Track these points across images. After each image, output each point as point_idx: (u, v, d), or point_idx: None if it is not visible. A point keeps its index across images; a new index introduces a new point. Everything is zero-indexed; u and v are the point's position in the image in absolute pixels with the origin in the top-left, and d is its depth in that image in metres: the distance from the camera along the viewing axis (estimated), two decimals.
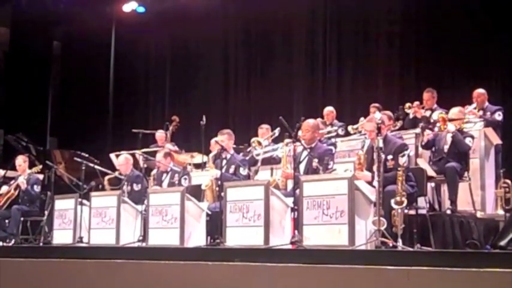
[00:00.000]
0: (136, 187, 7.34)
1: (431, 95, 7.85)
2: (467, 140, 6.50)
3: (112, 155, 9.29)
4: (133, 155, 8.13)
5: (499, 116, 7.38)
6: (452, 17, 9.48)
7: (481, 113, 7.43)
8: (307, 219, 5.05)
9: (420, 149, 7.04)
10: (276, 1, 11.32)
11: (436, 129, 6.65)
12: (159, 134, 9.71)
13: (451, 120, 6.58)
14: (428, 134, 6.79)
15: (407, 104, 7.87)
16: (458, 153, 6.52)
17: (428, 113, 7.77)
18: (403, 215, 5.07)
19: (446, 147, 6.59)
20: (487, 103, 7.60)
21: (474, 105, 7.48)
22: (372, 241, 4.81)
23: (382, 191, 5.03)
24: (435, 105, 7.79)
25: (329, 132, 8.11)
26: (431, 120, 7.25)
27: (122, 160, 7.74)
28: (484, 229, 6.31)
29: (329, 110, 8.95)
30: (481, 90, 7.64)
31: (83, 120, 13.30)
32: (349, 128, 8.22)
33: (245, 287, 4.39)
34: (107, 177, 7.84)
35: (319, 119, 7.85)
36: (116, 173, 7.82)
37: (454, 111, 6.78)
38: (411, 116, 7.90)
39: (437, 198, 6.78)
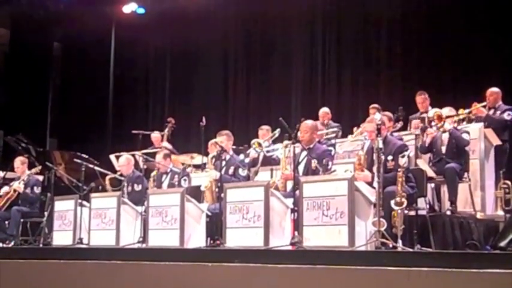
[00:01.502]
0: (137, 187, 7.34)
1: (424, 97, 7.81)
2: (464, 136, 6.56)
3: (112, 156, 9.29)
4: (133, 156, 8.13)
5: (508, 116, 7.25)
6: (453, 18, 9.49)
7: (491, 111, 7.37)
8: (307, 220, 5.05)
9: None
10: (275, 2, 11.33)
11: (433, 127, 6.66)
12: (155, 135, 9.72)
13: (447, 117, 6.62)
14: (424, 137, 6.80)
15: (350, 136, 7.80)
16: (456, 152, 6.54)
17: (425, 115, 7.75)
18: (403, 215, 5.07)
19: (443, 148, 6.62)
20: (500, 102, 7.44)
21: (484, 103, 7.42)
22: (371, 242, 4.82)
23: (382, 191, 5.03)
24: (429, 108, 7.69)
25: (327, 134, 8.10)
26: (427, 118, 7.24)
27: (123, 161, 7.73)
28: (484, 230, 6.32)
29: (324, 111, 8.89)
30: (494, 89, 7.50)
31: (82, 121, 13.29)
32: (349, 137, 8.19)
33: None
34: (108, 177, 7.84)
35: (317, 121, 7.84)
36: (117, 174, 7.82)
37: (445, 111, 6.82)
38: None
39: (437, 199, 6.78)
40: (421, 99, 7.82)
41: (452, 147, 6.57)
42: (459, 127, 6.80)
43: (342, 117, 9.29)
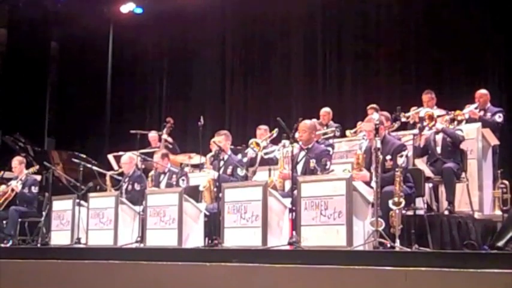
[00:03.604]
0: (138, 187, 7.33)
1: (430, 96, 7.74)
2: (458, 132, 6.62)
3: (110, 156, 9.29)
4: None
5: (499, 118, 7.35)
6: (452, 19, 9.51)
7: (481, 113, 7.42)
8: (305, 220, 5.05)
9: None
10: (274, 1, 11.32)
11: (426, 128, 6.69)
12: (152, 135, 9.72)
13: (438, 116, 6.65)
14: (419, 136, 6.83)
15: (402, 114, 7.80)
16: (452, 151, 6.57)
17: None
18: (401, 215, 5.08)
19: (438, 149, 6.64)
20: (489, 104, 7.54)
21: (475, 105, 7.46)
22: (369, 242, 4.82)
23: (380, 191, 5.03)
24: (435, 107, 7.71)
25: (325, 134, 8.10)
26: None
27: (126, 159, 7.68)
28: (481, 230, 6.32)
29: (325, 111, 8.92)
30: (483, 91, 7.59)
31: (80, 121, 13.28)
32: (347, 132, 8.20)
33: None
34: (109, 173, 7.83)
35: (314, 120, 7.85)
36: (119, 171, 7.81)
37: (435, 112, 6.87)
38: (411, 121, 7.87)
39: (435, 199, 6.79)
40: (427, 98, 7.72)
41: (447, 146, 6.60)
42: (450, 126, 6.82)
43: (342, 118, 9.29)
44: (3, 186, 8.44)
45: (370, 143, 5.72)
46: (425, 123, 6.70)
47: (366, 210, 5.08)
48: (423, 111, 7.03)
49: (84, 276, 5.31)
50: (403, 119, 7.77)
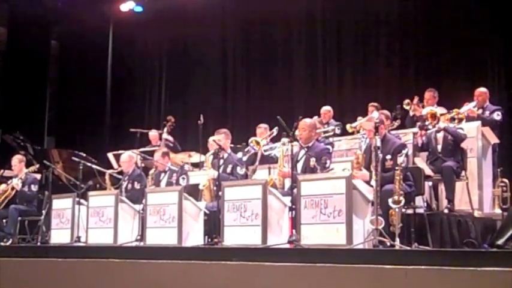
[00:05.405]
0: (137, 185, 7.33)
1: (432, 94, 7.75)
2: (460, 131, 6.62)
3: (110, 155, 9.29)
4: None
5: (497, 116, 7.38)
6: (451, 17, 9.52)
7: (480, 111, 7.43)
8: (304, 219, 5.05)
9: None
10: (274, 1, 11.31)
11: (430, 126, 6.69)
12: (153, 134, 9.72)
13: (441, 115, 6.66)
14: (419, 135, 6.83)
15: (406, 101, 7.82)
16: (452, 149, 6.57)
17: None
18: (400, 214, 5.08)
19: (439, 147, 6.64)
20: (487, 102, 7.57)
21: (474, 103, 7.47)
22: (369, 240, 4.82)
23: (380, 190, 5.03)
24: (435, 105, 7.74)
25: (325, 132, 8.10)
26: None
27: (125, 157, 7.69)
28: (481, 228, 6.32)
29: (326, 109, 8.94)
30: (482, 89, 7.62)
31: (80, 119, 13.28)
32: (348, 126, 8.21)
33: (243, 287, 4.39)
34: (109, 172, 7.83)
35: (315, 117, 7.85)
36: (119, 169, 7.81)
37: (437, 111, 6.88)
38: (411, 113, 7.88)
39: (435, 197, 6.80)
40: (429, 95, 7.73)
41: (447, 145, 6.60)
42: (451, 125, 6.83)
43: (343, 116, 9.29)
44: (3, 186, 8.44)
45: (370, 141, 5.72)
46: (427, 122, 6.68)
47: (366, 208, 5.08)
48: (426, 110, 7.02)
49: (84, 274, 5.31)
50: (405, 107, 7.77)
